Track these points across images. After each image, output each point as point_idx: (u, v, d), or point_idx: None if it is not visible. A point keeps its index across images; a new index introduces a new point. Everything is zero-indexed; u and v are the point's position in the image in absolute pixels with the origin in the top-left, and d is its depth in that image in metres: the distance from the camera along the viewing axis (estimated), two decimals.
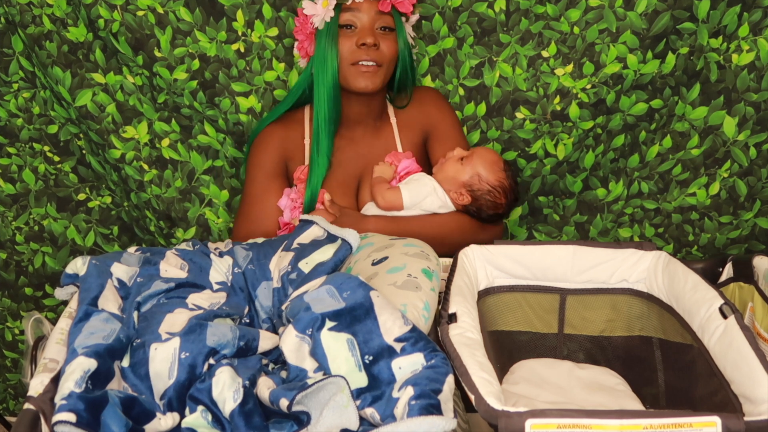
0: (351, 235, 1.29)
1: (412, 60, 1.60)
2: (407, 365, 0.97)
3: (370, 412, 0.94)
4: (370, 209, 1.55)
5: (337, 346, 0.99)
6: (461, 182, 1.51)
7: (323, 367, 0.99)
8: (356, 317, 1.02)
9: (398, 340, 1.00)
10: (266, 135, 1.62)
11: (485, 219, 1.54)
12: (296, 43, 1.56)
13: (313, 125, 1.56)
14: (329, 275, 1.13)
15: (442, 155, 1.58)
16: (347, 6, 1.49)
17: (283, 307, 1.11)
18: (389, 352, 0.99)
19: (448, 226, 1.52)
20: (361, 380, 0.97)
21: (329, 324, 1.01)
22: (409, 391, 0.92)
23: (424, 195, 1.52)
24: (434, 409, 0.89)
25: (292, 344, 1.01)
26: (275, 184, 1.59)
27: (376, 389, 0.96)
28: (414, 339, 1.00)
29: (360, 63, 1.50)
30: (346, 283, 1.07)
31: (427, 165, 1.63)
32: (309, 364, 1.00)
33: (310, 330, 1.01)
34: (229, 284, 1.24)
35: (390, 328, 1.01)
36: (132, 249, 1.28)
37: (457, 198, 1.51)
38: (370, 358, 0.98)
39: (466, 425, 1.17)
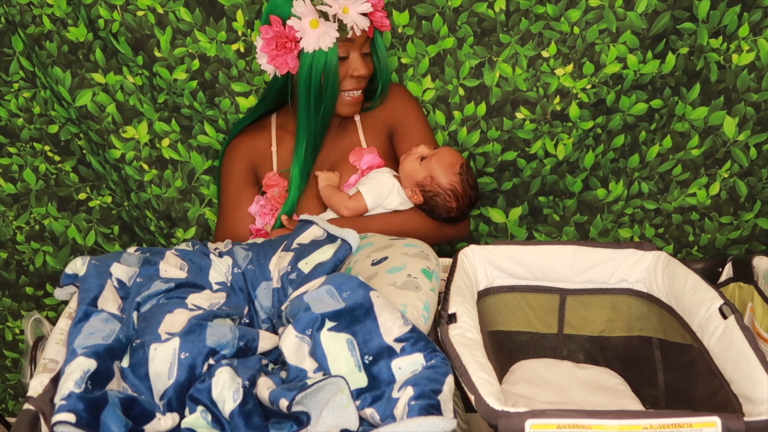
0: (351, 236, 1.29)
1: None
2: (407, 365, 0.97)
3: (369, 412, 0.94)
4: (328, 214, 1.55)
5: (337, 346, 0.99)
6: (415, 181, 1.51)
7: (323, 368, 0.99)
8: (356, 317, 1.02)
9: (398, 340, 1.00)
10: (234, 146, 1.63)
11: (440, 219, 1.54)
12: (261, 44, 1.49)
13: (297, 146, 1.55)
14: (329, 275, 1.13)
15: (407, 151, 1.58)
16: (345, 38, 1.47)
17: (283, 308, 1.11)
18: (389, 353, 0.99)
19: (409, 224, 1.52)
20: (360, 380, 0.97)
21: (329, 324, 1.01)
22: (409, 391, 0.92)
23: (386, 194, 1.52)
24: (434, 409, 0.90)
25: (292, 344, 1.01)
26: (246, 193, 1.61)
27: (375, 389, 0.96)
28: (414, 339, 1.00)
29: (348, 92, 1.51)
30: (346, 283, 1.07)
31: (393, 160, 1.62)
32: (309, 365, 1.00)
33: (310, 330, 1.01)
34: (228, 284, 1.24)
35: (390, 328, 1.01)
36: (132, 249, 1.28)
37: (411, 196, 1.52)
38: (370, 358, 0.98)
39: (466, 425, 1.17)
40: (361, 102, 1.56)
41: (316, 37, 1.44)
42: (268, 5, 1.50)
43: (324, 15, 1.44)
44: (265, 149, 1.63)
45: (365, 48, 1.51)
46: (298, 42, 1.45)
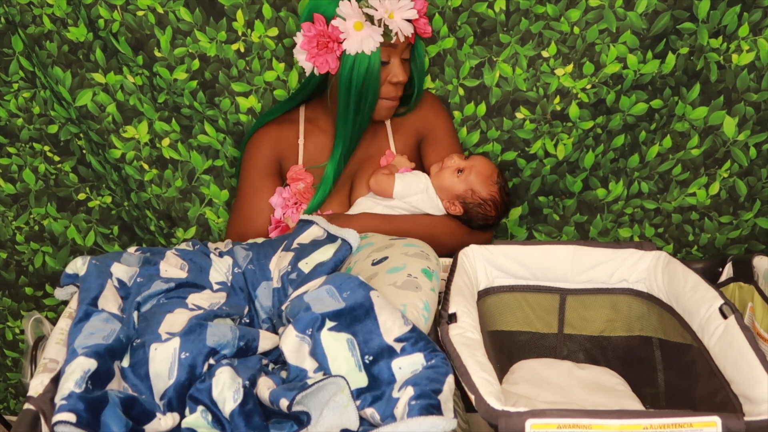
0: (351, 235, 1.29)
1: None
2: (407, 365, 0.98)
3: (370, 412, 0.94)
4: (361, 204, 1.56)
5: (337, 346, 1.00)
6: (455, 194, 1.53)
7: (323, 367, 0.99)
8: (356, 317, 1.02)
9: (398, 340, 1.00)
10: (261, 134, 1.62)
11: (475, 227, 1.56)
12: (302, 41, 1.49)
13: (335, 148, 1.56)
14: (329, 275, 1.13)
15: (435, 160, 1.59)
16: (389, 43, 1.46)
17: (283, 307, 1.11)
18: (389, 352, 0.99)
19: (437, 228, 1.52)
20: (361, 380, 0.97)
21: (329, 324, 1.01)
22: (409, 391, 0.92)
23: (414, 191, 1.53)
24: (434, 409, 0.90)
25: (292, 344, 1.01)
26: (268, 182, 1.60)
27: (376, 389, 0.96)
28: (414, 339, 1.00)
29: (386, 99, 1.52)
30: (346, 283, 1.07)
31: (419, 167, 1.64)
32: (309, 364, 1.00)
33: (310, 330, 1.01)
34: (229, 284, 1.24)
35: (390, 328, 1.01)
36: (132, 249, 1.28)
37: (449, 207, 1.54)
38: (370, 358, 0.98)
39: (466, 425, 1.17)
40: (396, 107, 1.56)
41: (359, 40, 1.43)
42: (310, 2, 1.49)
43: (369, 18, 1.43)
44: (292, 141, 1.62)
45: (405, 54, 1.51)
46: (341, 43, 1.45)
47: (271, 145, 1.61)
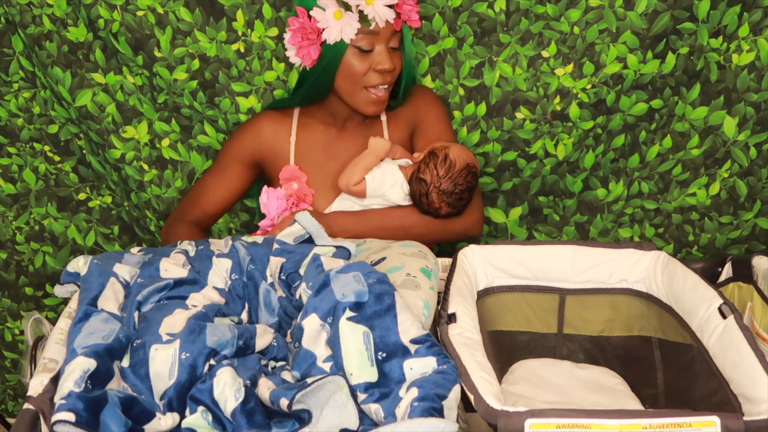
0: (347, 244, 1.29)
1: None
2: (418, 367, 0.98)
3: (375, 408, 0.94)
4: (341, 199, 1.56)
5: (354, 337, 0.99)
6: (415, 163, 1.53)
7: (335, 356, 0.99)
8: (377, 312, 1.02)
9: (414, 341, 1.00)
10: (257, 123, 1.62)
11: (434, 215, 1.52)
12: (288, 37, 1.49)
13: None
14: (355, 262, 1.12)
15: (423, 149, 1.57)
16: (368, 29, 1.45)
17: (301, 272, 1.10)
18: (403, 352, 0.99)
19: (410, 218, 1.51)
20: (371, 375, 0.97)
21: (349, 314, 1.01)
22: (414, 392, 0.92)
23: (389, 186, 1.52)
24: (436, 412, 0.89)
25: (313, 330, 1.02)
26: (232, 169, 1.61)
27: (384, 386, 0.96)
28: (430, 343, 1.00)
29: (373, 88, 1.49)
30: (373, 273, 1.07)
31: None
32: (321, 351, 1.01)
33: (331, 318, 1.02)
34: (227, 289, 1.24)
35: (408, 328, 1.01)
36: (134, 249, 1.28)
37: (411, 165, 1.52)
38: (384, 354, 0.98)
39: (465, 425, 1.17)
40: (386, 101, 1.53)
41: (339, 29, 1.43)
42: None
43: (346, 6, 1.42)
44: (285, 140, 1.61)
45: (393, 42, 1.48)
46: (321, 33, 1.44)
47: (261, 138, 1.60)
